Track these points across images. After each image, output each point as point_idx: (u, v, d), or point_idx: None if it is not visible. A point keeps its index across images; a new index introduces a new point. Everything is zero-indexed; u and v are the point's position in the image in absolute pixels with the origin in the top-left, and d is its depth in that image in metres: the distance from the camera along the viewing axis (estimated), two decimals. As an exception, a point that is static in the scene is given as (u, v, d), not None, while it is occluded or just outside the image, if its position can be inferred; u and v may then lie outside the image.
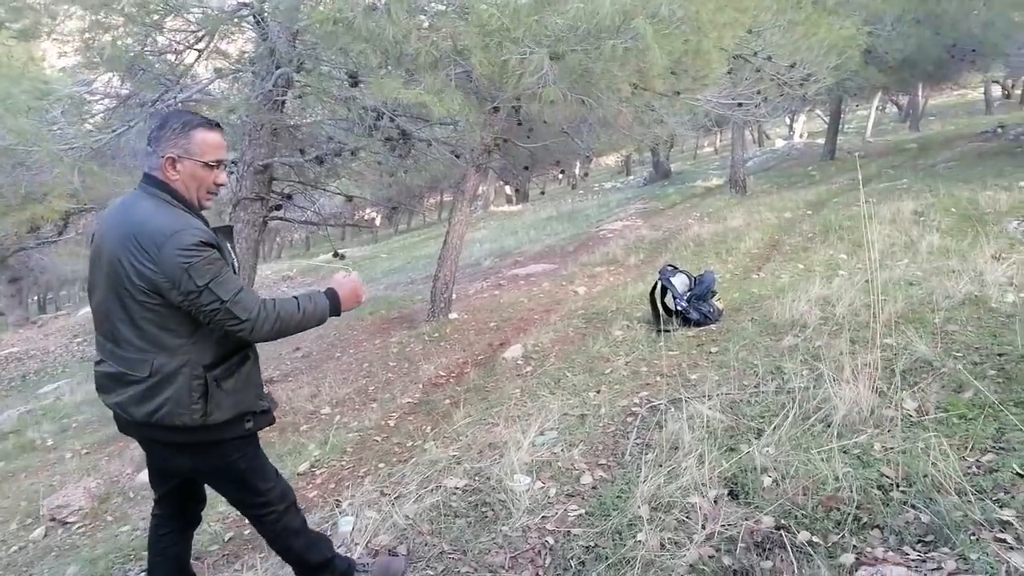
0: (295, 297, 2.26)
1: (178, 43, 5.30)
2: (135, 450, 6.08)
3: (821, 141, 23.85)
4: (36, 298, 32.51)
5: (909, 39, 14.02)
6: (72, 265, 22.55)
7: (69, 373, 11.86)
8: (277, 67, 5.21)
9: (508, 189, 36.48)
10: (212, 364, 2.20)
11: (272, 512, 2.47)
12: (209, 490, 2.68)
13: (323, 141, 6.11)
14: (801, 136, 31.40)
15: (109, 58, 5.06)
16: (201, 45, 5.25)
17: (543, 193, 18.68)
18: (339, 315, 2.38)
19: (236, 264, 2.31)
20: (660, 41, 4.22)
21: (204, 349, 2.18)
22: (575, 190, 31.78)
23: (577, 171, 26.47)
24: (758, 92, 8.81)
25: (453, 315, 8.01)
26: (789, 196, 13.54)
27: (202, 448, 2.27)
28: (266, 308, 2.15)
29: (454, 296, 8.43)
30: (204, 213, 2.30)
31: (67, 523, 4.81)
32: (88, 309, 14.96)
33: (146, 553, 3.92)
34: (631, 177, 34.98)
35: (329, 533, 3.39)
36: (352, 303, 2.40)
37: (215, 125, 2.26)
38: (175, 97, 5.18)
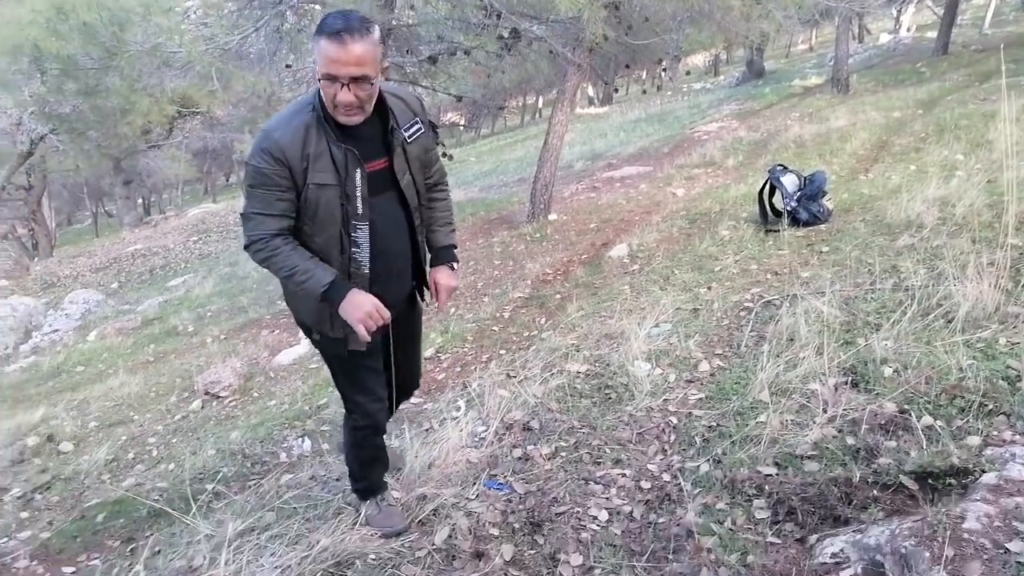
0: (305, 260, 2.09)
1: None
2: (267, 336, 6.65)
3: (931, 35, 22.11)
4: (141, 200, 34.31)
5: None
6: (174, 169, 23.73)
7: (192, 268, 12.79)
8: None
9: (591, 91, 35.55)
10: None
11: (352, 417, 2.54)
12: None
13: (432, 41, 6.20)
14: (908, 30, 29.10)
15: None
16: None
17: (644, 92, 18.16)
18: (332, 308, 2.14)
19: (354, 190, 2.09)
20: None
21: None
22: (660, 91, 30.75)
23: (665, 71, 25.54)
24: (874, -20, 8.30)
25: (552, 216, 8.18)
26: (897, 95, 12.83)
27: None
28: (265, 245, 2.05)
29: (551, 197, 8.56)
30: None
31: (219, 397, 5.40)
32: (197, 210, 15.86)
33: (298, 422, 4.45)
34: (721, 77, 33.51)
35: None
36: (350, 314, 2.10)
37: (338, 34, 1.86)
38: (296, -1, 5.33)
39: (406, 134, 2.17)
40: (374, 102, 2.05)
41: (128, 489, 4.10)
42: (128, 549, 3.38)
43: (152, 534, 3.29)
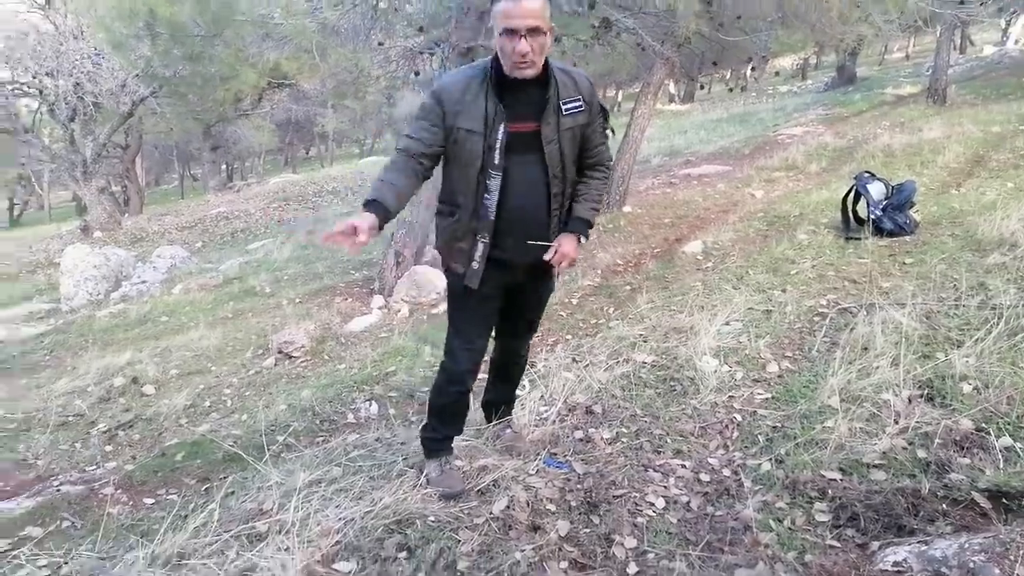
0: (388, 177, 2.30)
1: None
2: (341, 303, 6.87)
3: (1042, 48, 20.92)
4: (225, 166, 35.53)
5: None
6: (259, 138, 24.50)
7: (271, 234, 13.25)
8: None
9: (673, 88, 34.98)
10: (441, 199, 2.55)
11: (444, 359, 2.71)
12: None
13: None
14: (1016, 42, 27.54)
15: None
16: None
17: (731, 90, 17.70)
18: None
19: (495, 142, 2.30)
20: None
21: (443, 183, 2.52)
22: (744, 92, 30.03)
23: (753, 70, 24.93)
24: (986, -13, 7.95)
25: (627, 208, 8.16)
26: (998, 109, 12.21)
27: None
28: (396, 155, 2.37)
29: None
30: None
31: (292, 357, 5.61)
32: (278, 179, 16.42)
33: (366, 386, 4.59)
34: (808, 82, 32.49)
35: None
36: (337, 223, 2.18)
37: None
38: (395, -23, 5.44)
39: (564, 106, 2.35)
40: (543, 63, 2.28)
41: (204, 434, 4.34)
42: (203, 488, 3.58)
43: (226, 476, 3.48)
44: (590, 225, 2.58)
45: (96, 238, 15.51)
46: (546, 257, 2.46)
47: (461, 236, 2.47)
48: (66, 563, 2.62)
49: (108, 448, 4.56)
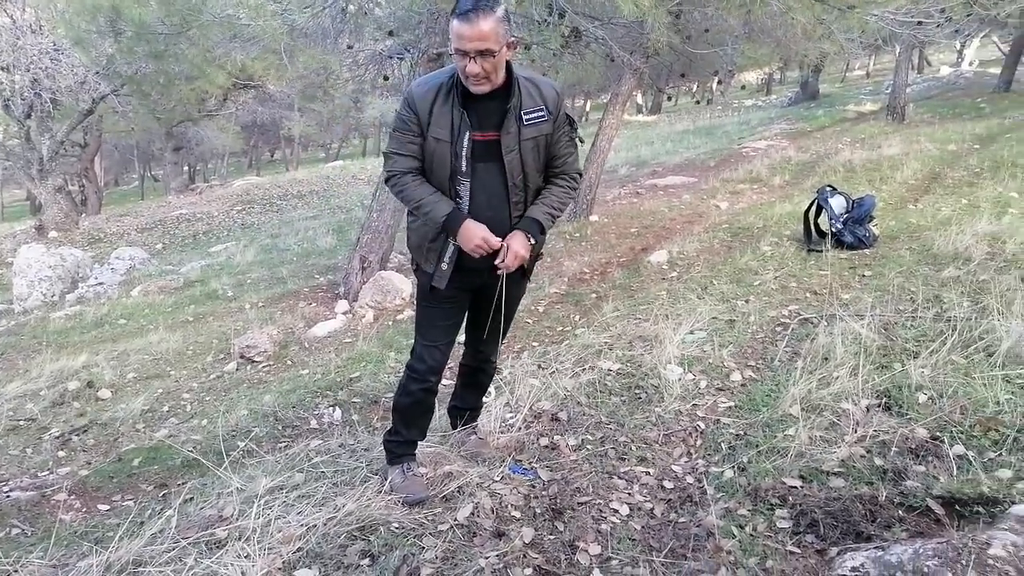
0: (429, 194, 2.41)
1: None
2: (304, 308, 6.78)
3: (994, 71, 21.67)
4: (187, 168, 34.92)
5: None
6: (222, 140, 24.14)
7: (234, 237, 13.05)
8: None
9: (640, 99, 35.42)
10: None
11: (410, 359, 2.73)
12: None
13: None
14: (971, 64, 28.48)
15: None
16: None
17: (698, 103, 17.75)
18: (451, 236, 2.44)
19: (461, 150, 2.36)
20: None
21: None
22: (710, 105, 30.52)
23: (720, 83, 25.32)
24: (942, 10, 8.20)
25: (594, 217, 8.22)
26: (954, 128, 12.63)
27: None
28: (398, 180, 2.43)
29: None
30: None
31: (254, 361, 5.53)
32: (242, 181, 16.16)
33: (330, 392, 4.54)
34: (772, 96, 33.17)
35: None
36: (465, 242, 2.39)
37: (465, 14, 2.14)
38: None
39: (525, 116, 2.38)
40: (502, 75, 2.31)
41: (163, 439, 4.24)
42: (161, 494, 3.50)
43: (185, 482, 3.40)
44: (542, 227, 2.55)
45: (51, 238, 15.11)
46: (496, 261, 2.45)
47: (433, 236, 2.52)
48: (16, 571, 2.53)
49: (61, 453, 4.43)
